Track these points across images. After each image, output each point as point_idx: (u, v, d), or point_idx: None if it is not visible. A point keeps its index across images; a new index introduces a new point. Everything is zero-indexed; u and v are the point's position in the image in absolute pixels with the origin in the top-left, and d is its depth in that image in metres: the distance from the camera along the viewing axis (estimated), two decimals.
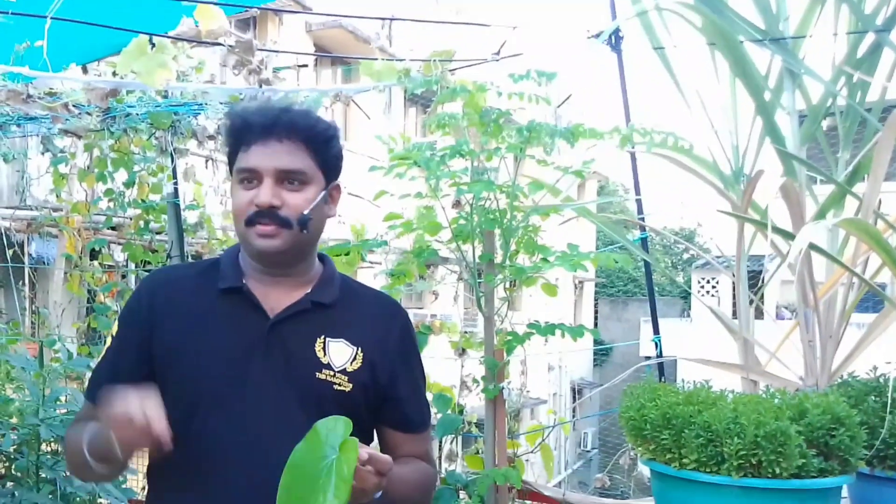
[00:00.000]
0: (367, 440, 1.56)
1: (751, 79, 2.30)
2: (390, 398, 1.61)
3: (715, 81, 2.44)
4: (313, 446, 1.33)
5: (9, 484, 3.05)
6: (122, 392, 1.36)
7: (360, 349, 1.57)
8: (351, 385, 1.54)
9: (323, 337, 1.55)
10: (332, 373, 1.53)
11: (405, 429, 1.65)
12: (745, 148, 2.39)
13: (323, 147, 1.56)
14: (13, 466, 3.07)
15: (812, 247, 2.00)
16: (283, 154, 1.51)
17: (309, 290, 1.59)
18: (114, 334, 1.61)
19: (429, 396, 2.83)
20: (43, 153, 3.90)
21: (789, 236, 2.11)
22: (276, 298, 1.56)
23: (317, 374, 1.53)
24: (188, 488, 1.49)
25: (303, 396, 1.51)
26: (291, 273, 1.59)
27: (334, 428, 1.34)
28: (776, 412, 1.64)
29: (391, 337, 1.63)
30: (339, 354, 1.55)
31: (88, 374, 2.09)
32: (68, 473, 1.74)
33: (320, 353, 1.54)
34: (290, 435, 1.39)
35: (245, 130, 1.54)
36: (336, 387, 1.53)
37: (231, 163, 1.58)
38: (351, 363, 1.55)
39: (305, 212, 1.52)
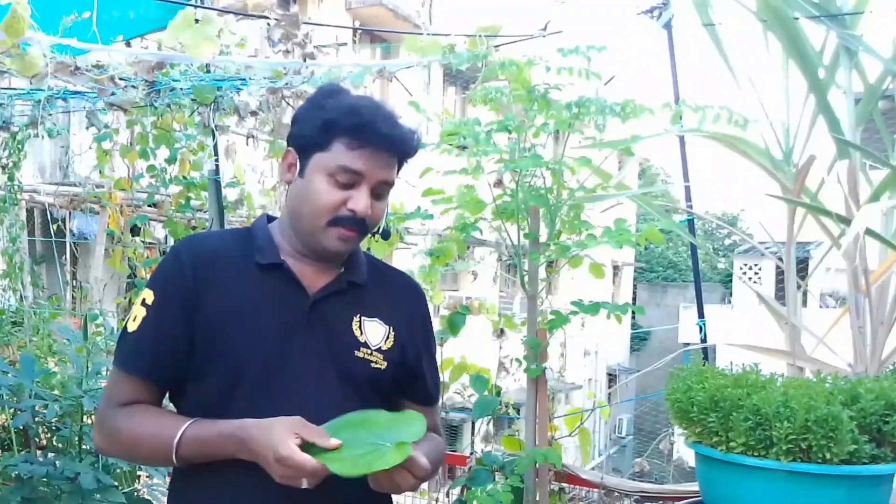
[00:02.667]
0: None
1: (804, 57, 2.24)
2: (415, 376, 1.66)
3: (766, 60, 2.38)
4: (384, 423, 1.44)
5: (51, 454, 3.10)
6: (273, 426, 1.38)
7: (391, 328, 1.61)
8: (385, 363, 1.58)
9: (359, 316, 1.58)
10: (369, 351, 1.56)
11: (423, 403, 1.69)
12: (797, 129, 2.33)
13: (405, 162, 1.60)
14: (55, 437, 3.12)
15: (868, 231, 1.94)
16: (389, 168, 1.54)
17: (342, 270, 1.61)
18: (147, 300, 1.53)
19: (465, 378, 2.83)
20: (88, 128, 3.93)
21: (846, 221, 2.06)
22: (312, 276, 1.57)
23: (355, 352, 1.55)
24: (228, 462, 1.46)
25: (341, 373, 1.54)
26: None
27: (409, 423, 1.43)
28: (827, 397, 1.60)
29: (417, 318, 1.69)
30: (375, 333, 1.59)
31: None
32: (105, 452, 1.67)
33: (357, 332, 1.57)
34: (330, 412, 1.44)
35: (364, 128, 1.48)
36: (373, 365, 1.56)
37: (312, 144, 1.52)
38: (385, 342, 1.59)
39: (383, 223, 1.57)
